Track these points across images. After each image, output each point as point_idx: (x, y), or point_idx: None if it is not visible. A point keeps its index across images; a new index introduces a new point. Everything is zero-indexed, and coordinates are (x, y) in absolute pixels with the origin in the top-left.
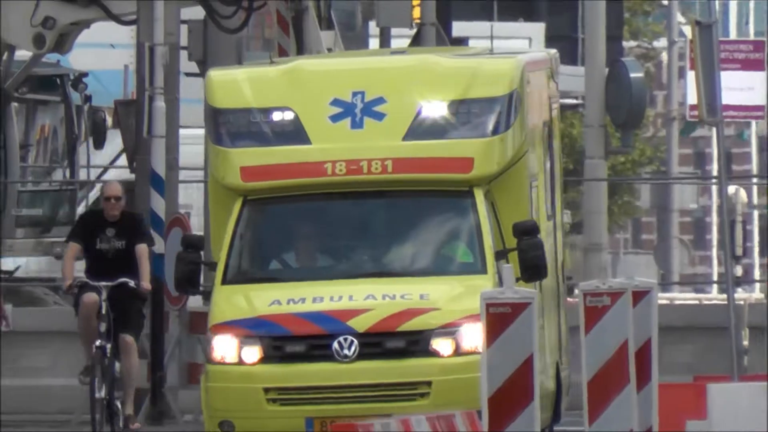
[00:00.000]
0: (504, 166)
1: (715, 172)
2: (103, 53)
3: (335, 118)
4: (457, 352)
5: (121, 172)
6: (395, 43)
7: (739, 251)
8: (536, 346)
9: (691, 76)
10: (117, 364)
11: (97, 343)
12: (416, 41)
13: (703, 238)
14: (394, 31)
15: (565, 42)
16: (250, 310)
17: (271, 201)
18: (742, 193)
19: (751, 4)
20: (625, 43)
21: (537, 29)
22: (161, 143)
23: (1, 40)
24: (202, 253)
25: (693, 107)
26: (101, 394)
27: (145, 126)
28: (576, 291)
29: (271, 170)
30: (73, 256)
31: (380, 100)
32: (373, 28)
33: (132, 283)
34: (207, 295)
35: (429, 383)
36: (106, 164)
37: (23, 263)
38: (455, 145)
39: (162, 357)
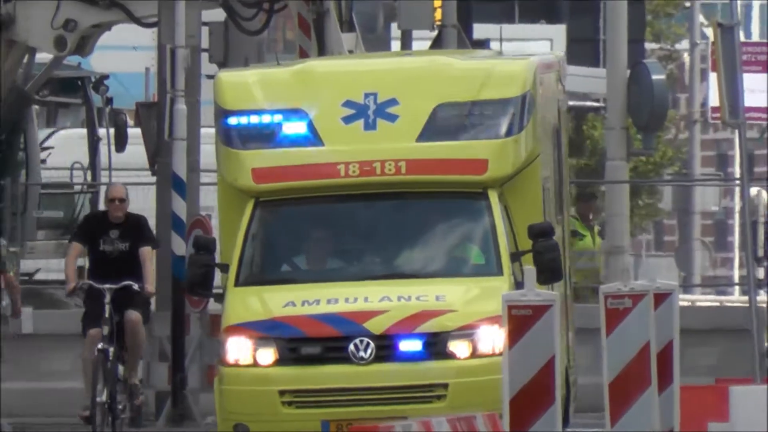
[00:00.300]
0: (518, 167)
1: (737, 174)
2: (124, 55)
3: (348, 119)
4: (474, 354)
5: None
6: (416, 45)
7: (761, 253)
8: (558, 348)
9: (713, 78)
10: (120, 368)
11: (99, 346)
12: (437, 43)
13: (725, 240)
14: (415, 33)
15: (587, 44)
16: (265, 312)
17: (283, 203)
18: (765, 195)
19: None
20: (647, 45)
21: (558, 31)
22: (182, 146)
23: (22, 42)
24: (215, 255)
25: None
26: (102, 398)
27: (167, 128)
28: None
29: (283, 172)
30: (75, 256)
31: (393, 102)
32: (394, 30)
33: (136, 286)
34: (219, 298)
35: (446, 386)
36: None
37: (44, 265)
38: (469, 147)
39: (183, 359)
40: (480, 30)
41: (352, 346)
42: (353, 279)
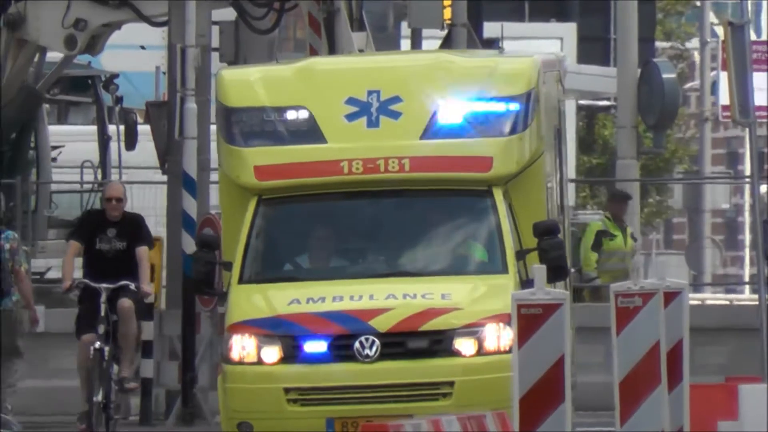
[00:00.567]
0: (523, 165)
1: (747, 172)
2: (134, 55)
3: (351, 117)
4: (480, 352)
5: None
6: (426, 45)
7: None
8: (567, 346)
9: (723, 76)
10: (115, 367)
11: (96, 345)
12: (447, 42)
13: (735, 238)
14: (425, 32)
15: (598, 43)
16: (269, 310)
17: (286, 200)
18: None
19: None
20: (657, 44)
21: (569, 30)
22: (193, 144)
23: (33, 41)
24: (217, 253)
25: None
26: (98, 397)
27: (177, 127)
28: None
29: (286, 169)
30: (73, 254)
31: (396, 99)
32: (404, 29)
33: (133, 286)
34: (223, 296)
35: (452, 383)
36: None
37: (55, 264)
38: (474, 144)
39: (193, 358)
40: (490, 29)
41: (357, 344)
42: (358, 277)
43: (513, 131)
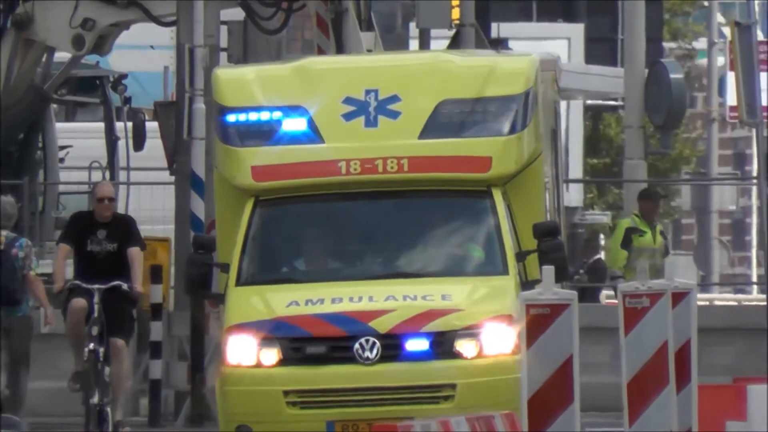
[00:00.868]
0: (521, 165)
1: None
2: (142, 55)
3: (348, 116)
4: (482, 353)
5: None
6: (434, 45)
7: None
8: (576, 347)
9: (731, 77)
10: (107, 369)
11: (90, 346)
12: (455, 42)
13: (743, 239)
14: (433, 32)
15: (605, 43)
16: (268, 312)
17: (284, 201)
18: None
19: None
20: (665, 44)
21: (576, 30)
22: (201, 145)
23: (40, 42)
24: (214, 254)
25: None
26: (94, 399)
27: (185, 128)
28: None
29: (283, 170)
30: (63, 257)
31: (394, 99)
32: (412, 29)
33: (125, 287)
34: (219, 298)
35: (453, 386)
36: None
37: None
38: (473, 144)
39: (202, 359)
40: (498, 29)
41: (357, 346)
42: (357, 278)
43: (512, 131)
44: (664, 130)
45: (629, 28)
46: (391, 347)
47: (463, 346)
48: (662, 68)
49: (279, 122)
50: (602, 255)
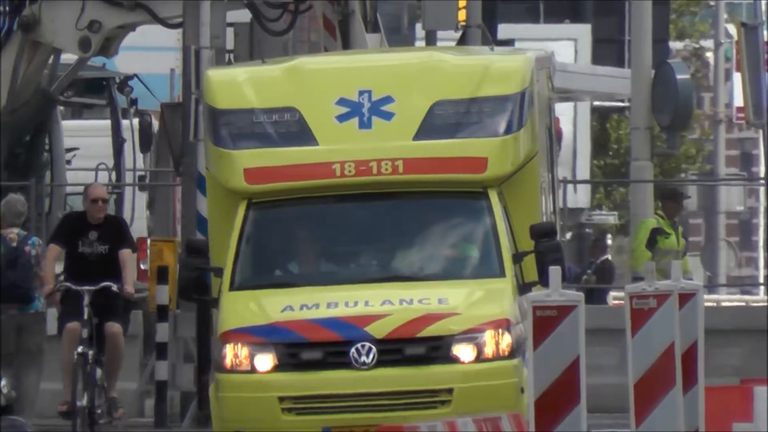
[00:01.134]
0: (517, 166)
1: (761, 174)
2: (149, 56)
3: (342, 118)
4: (479, 358)
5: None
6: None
7: None
8: (583, 348)
9: (737, 77)
10: (99, 371)
11: (79, 349)
12: (462, 43)
13: (750, 239)
14: (439, 33)
15: (612, 44)
16: (262, 317)
17: (277, 204)
18: None
19: None
20: (672, 44)
21: (583, 31)
22: None
23: (47, 44)
24: (207, 258)
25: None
26: (83, 402)
27: (192, 129)
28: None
29: (276, 172)
30: (53, 258)
31: (388, 99)
32: (419, 30)
33: (115, 288)
34: (213, 303)
35: (450, 390)
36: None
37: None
38: (468, 145)
39: (208, 360)
40: (505, 30)
41: (353, 351)
42: (352, 282)
43: (508, 131)
44: (670, 131)
45: (636, 29)
46: (388, 352)
47: (461, 350)
48: (669, 69)
49: (272, 124)
50: (609, 255)
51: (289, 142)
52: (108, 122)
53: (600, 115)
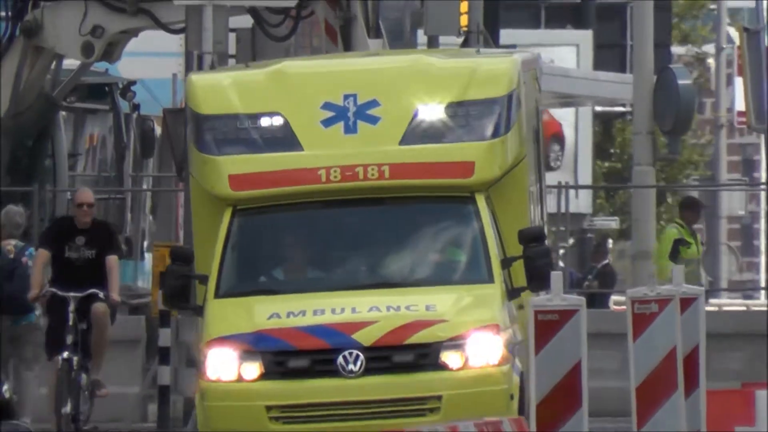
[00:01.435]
0: (505, 170)
1: (763, 179)
2: (151, 62)
3: (327, 122)
4: (468, 364)
5: None
6: None
7: None
8: (585, 352)
9: (739, 82)
10: (83, 377)
11: (64, 355)
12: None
13: (751, 244)
14: (442, 39)
15: (614, 49)
16: (248, 324)
17: (263, 210)
18: None
19: None
20: (674, 49)
21: (585, 37)
22: None
23: (50, 49)
24: (192, 266)
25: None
26: (67, 409)
27: None
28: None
29: (261, 178)
30: (41, 263)
31: (373, 103)
32: (421, 36)
33: (101, 295)
34: (198, 311)
35: (439, 398)
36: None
37: None
38: (455, 149)
39: None
40: (507, 35)
41: (341, 359)
42: (339, 289)
43: (495, 134)
44: (672, 136)
45: (638, 34)
46: (376, 359)
47: (449, 357)
48: (671, 74)
49: (256, 129)
50: (611, 260)
51: (274, 147)
52: None
53: (602, 121)
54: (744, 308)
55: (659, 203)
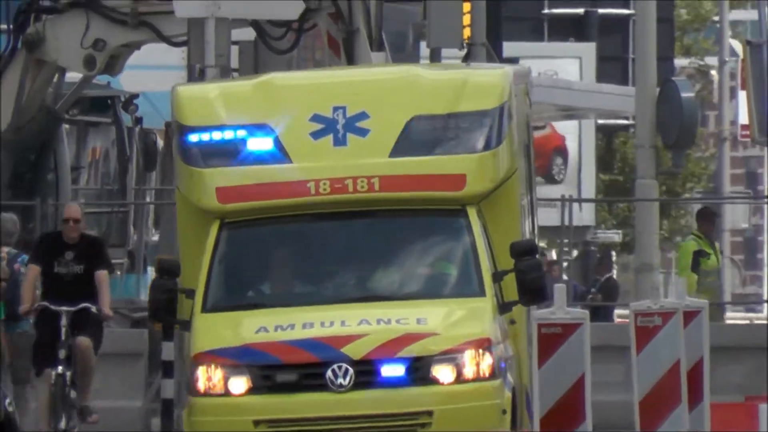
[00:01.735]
0: (497, 183)
1: (766, 192)
2: (153, 75)
3: (316, 135)
4: (459, 379)
5: None
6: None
7: None
8: (588, 365)
9: (742, 95)
10: (72, 392)
11: (58, 370)
12: (467, 62)
13: (755, 257)
14: (444, 51)
15: (616, 62)
16: (236, 339)
17: (251, 223)
18: None
19: None
20: (676, 62)
21: (588, 49)
22: None
23: (51, 62)
24: (178, 279)
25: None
26: (62, 425)
27: None
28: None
29: (249, 191)
30: (32, 279)
31: (363, 115)
32: (423, 49)
33: (94, 309)
34: (185, 325)
35: (430, 413)
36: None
37: None
38: (446, 162)
39: None
40: (509, 48)
41: (329, 373)
42: (328, 302)
43: (486, 147)
44: (675, 149)
45: (640, 47)
46: (365, 374)
47: (440, 371)
48: (673, 87)
49: (244, 141)
50: (614, 273)
51: (262, 160)
52: None
53: (605, 133)
54: (747, 321)
55: (662, 216)
